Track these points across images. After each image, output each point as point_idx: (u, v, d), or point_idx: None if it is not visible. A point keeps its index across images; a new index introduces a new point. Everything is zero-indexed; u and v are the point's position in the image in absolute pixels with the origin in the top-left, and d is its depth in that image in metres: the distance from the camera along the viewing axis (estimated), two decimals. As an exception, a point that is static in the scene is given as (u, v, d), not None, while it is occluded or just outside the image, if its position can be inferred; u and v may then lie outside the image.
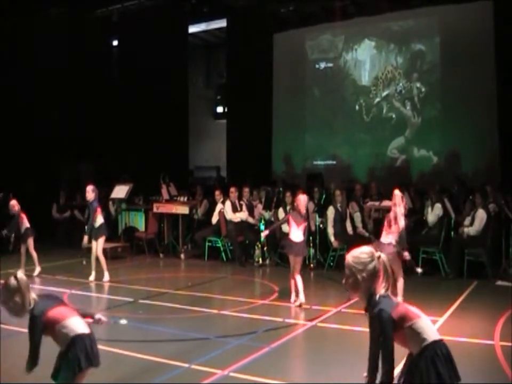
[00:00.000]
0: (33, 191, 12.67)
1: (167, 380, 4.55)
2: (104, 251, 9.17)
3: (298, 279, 7.11)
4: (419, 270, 7.57)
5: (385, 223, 6.97)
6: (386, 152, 14.03)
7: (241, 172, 14.36)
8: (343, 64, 14.85)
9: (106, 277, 8.83)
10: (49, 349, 3.37)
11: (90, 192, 8.88)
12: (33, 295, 3.29)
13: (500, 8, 11.95)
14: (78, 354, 3.20)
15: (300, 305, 7.03)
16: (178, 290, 8.23)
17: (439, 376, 2.71)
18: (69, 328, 3.26)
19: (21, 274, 3.31)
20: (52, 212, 13.22)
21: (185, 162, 16.64)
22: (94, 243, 8.92)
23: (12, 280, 3.25)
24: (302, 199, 7.28)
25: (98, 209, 8.98)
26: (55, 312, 3.28)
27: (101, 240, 8.91)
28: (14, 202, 9.28)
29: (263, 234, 8.07)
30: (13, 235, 9.55)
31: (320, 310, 6.87)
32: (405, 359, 2.93)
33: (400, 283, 6.68)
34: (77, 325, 3.30)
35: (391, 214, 6.88)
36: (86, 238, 9.01)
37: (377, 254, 2.85)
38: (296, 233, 7.23)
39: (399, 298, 6.49)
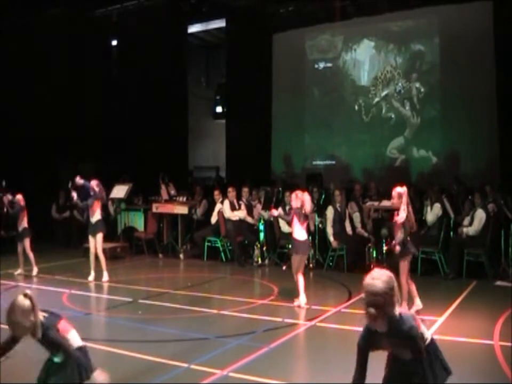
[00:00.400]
0: (33, 191, 12.65)
1: (167, 380, 4.55)
2: (104, 251, 9.12)
3: (300, 279, 7.10)
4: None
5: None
6: (386, 152, 14.01)
7: (241, 171, 14.36)
8: (342, 64, 14.85)
9: (106, 277, 8.80)
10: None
11: (94, 187, 8.86)
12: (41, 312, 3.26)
13: (500, 8, 11.94)
14: (78, 366, 3.29)
15: (299, 306, 7.04)
16: (178, 290, 8.22)
17: (445, 369, 2.93)
18: (70, 342, 3.34)
19: (29, 292, 3.17)
20: (52, 212, 13.21)
21: (184, 162, 16.62)
22: (91, 240, 8.86)
23: (24, 300, 3.10)
24: (307, 198, 7.26)
25: (99, 203, 8.95)
26: (61, 327, 3.33)
27: (99, 237, 8.80)
28: (20, 197, 9.21)
29: (271, 212, 7.98)
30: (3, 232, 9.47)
31: (320, 310, 6.87)
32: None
33: (413, 287, 6.63)
34: (76, 338, 3.39)
35: (411, 212, 6.65)
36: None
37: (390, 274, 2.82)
38: (300, 232, 7.21)
39: (417, 300, 6.52)
